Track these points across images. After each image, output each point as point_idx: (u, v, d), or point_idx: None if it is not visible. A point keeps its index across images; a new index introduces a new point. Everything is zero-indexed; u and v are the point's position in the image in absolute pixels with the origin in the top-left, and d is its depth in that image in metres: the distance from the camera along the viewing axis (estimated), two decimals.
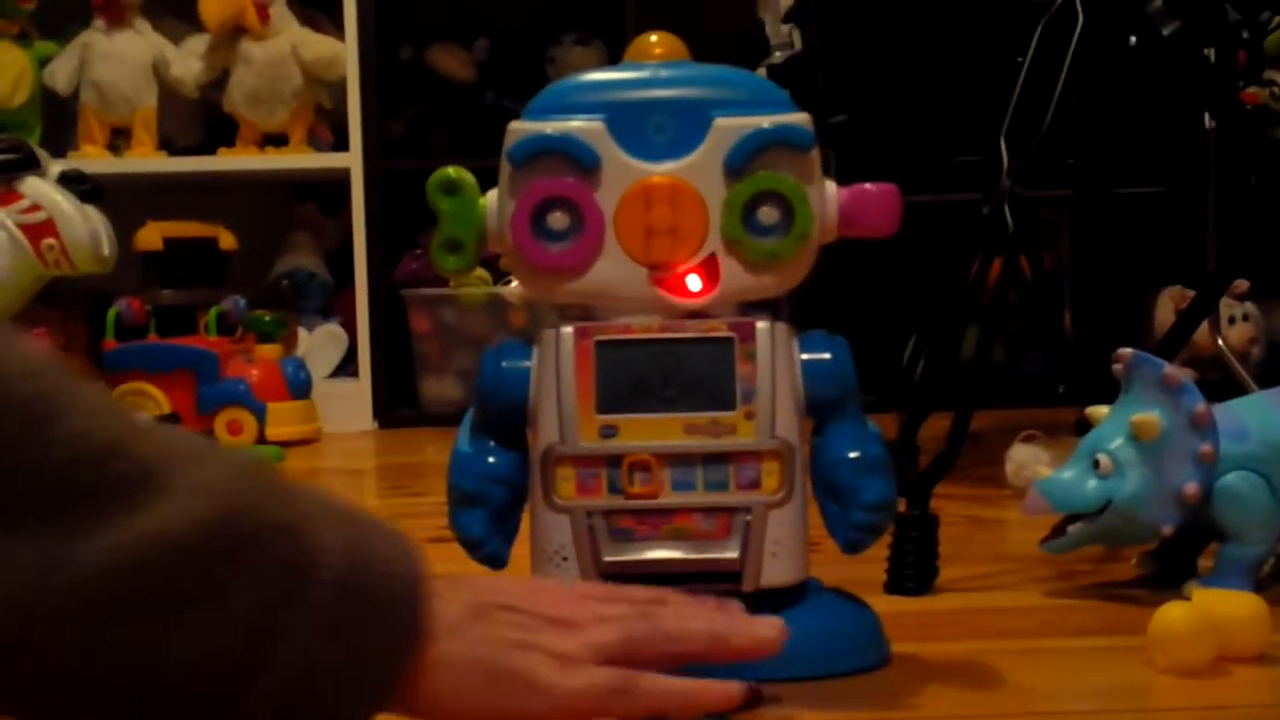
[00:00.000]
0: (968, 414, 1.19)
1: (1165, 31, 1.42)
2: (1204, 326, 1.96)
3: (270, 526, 0.56)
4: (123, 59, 2.67)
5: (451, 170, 0.89)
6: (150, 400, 2.33)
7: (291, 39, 2.68)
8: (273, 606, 0.55)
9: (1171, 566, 1.10)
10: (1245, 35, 1.58)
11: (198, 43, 2.72)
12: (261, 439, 2.34)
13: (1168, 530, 1.03)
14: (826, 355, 0.88)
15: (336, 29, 2.71)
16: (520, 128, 0.87)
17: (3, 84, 2.66)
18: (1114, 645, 0.96)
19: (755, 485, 0.86)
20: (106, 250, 2.10)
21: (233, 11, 2.64)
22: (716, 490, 0.86)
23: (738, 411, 0.86)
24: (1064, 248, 2.66)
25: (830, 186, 0.88)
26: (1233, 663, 0.87)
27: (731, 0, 2.40)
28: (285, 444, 2.31)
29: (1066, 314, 2.63)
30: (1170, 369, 1.04)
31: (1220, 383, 1.84)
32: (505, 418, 0.89)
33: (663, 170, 0.87)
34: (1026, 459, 1.47)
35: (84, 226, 2.07)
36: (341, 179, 2.67)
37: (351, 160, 2.66)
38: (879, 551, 1.10)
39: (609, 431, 0.86)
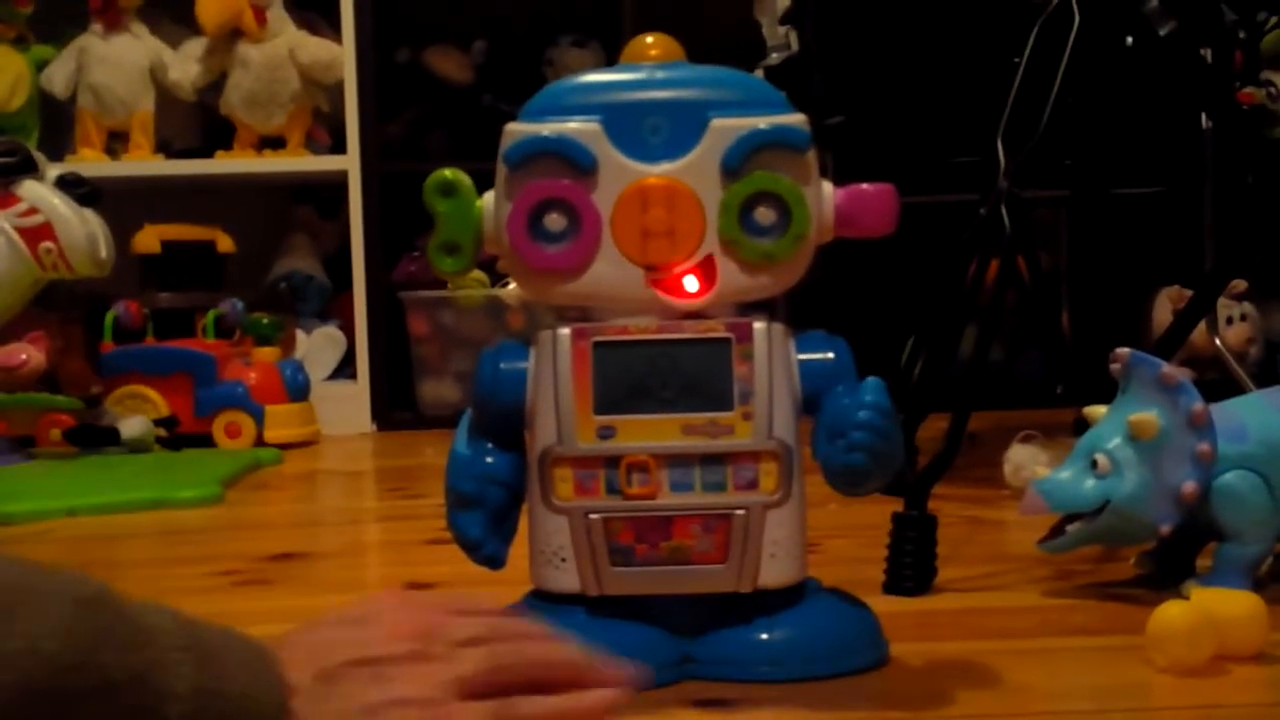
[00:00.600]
0: (966, 414, 1.19)
1: (1162, 32, 1.42)
2: (1202, 326, 1.96)
3: (108, 683, 0.53)
4: (120, 63, 2.67)
5: (448, 172, 0.90)
6: (148, 403, 2.33)
7: (289, 42, 2.68)
8: None
9: (1170, 566, 1.10)
10: (1242, 36, 1.58)
11: (195, 46, 2.72)
12: (260, 441, 2.34)
13: (1166, 529, 1.03)
14: (828, 355, 0.88)
15: (334, 32, 2.71)
16: (516, 129, 0.87)
17: (0, 88, 2.66)
18: (1113, 645, 0.96)
19: (753, 485, 0.86)
20: (104, 253, 2.10)
21: (230, 14, 2.64)
22: (714, 491, 0.86)
23: (735, 412, 0.86)
24: (1061, 248, 2.67)
25: (827, 187, 0.88)
26: (1231, 662, 0.88)
27: (728, 2, 2.40)
28: (283, 446, 2.31)
29: (1064, 314, 2.63)
30: (1168, 369, 1.04)
31: (1218, 382, 1.84)
32: (503, 419, 0.89)
33: (659, 171, 0.86)
34: (1025, 459, 1.47)
35: (82, 230, 2.07)
36: (339, 182, 2.67)
37: (349, 163, 2.66)
38: (878, 552, 1.10)
39: (607, 432, 0.86)
